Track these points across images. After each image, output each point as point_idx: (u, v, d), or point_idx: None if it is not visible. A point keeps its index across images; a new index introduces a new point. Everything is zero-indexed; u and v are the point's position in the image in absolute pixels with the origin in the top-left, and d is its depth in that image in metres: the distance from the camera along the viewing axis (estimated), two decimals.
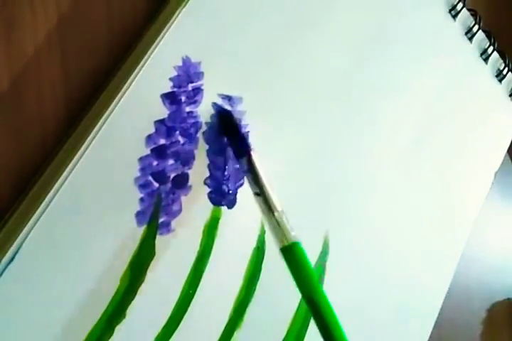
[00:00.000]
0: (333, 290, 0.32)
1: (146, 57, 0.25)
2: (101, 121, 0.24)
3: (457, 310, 0.42)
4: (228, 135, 0.27)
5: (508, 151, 0.44)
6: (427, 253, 0.38)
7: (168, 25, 0.25)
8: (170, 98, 0.25)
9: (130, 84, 0.24)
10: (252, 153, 0.27)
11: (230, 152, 0.28)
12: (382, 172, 0.35)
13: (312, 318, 0.25)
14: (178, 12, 0.26)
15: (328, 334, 0.24)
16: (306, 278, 0.25)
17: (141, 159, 0.25)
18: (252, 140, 0.28)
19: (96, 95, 0.25)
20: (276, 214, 0.26)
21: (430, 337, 0.38)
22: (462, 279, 0.42)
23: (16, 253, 0.22)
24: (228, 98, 0.27)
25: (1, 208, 0.23)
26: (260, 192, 0.26)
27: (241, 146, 0.27)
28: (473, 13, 0.39)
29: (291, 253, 0.25)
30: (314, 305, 0.24)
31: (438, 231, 0.39)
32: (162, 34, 0.25)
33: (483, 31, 0.40)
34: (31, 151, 0.23)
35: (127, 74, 0.25)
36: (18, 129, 0.23)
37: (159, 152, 0.25)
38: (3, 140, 0.23)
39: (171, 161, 0.26)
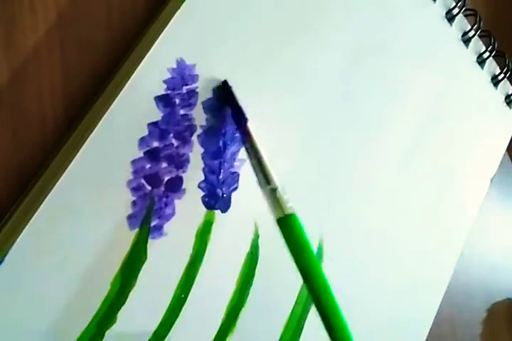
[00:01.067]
0: None
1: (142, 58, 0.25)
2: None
3: (457, 310, 0.42)
4: (228, 105, 0.27)
5: (508, 151, 0.44)
6: (424, 254, 0.38)
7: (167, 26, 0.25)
8: (164, 100, 0.25)
9: (123, 86, 0.24)
10: (247, 123, 0.26)
11: (226, 155, 0.27)
12: (379, 174, 0.35)
13: (308, 291, 0.24)
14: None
15: (321, 304, 0.23)
16: (301, 249, 0.24)
17: (133, 162, 0.25)
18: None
19: (96, 95, 0.25)
20: (271, 186, 0.25)
21: (430, 336, 0.38)
22: (462, 279, 0.42)
23: (5, 255, 0.22)
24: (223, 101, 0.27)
25: (1, 208, 0.23)
26: (258, 163, 0.25)
27: (237, 116, 0.26)
28: (473, 13, 0.39)
29: (288, 224, 0.24)
30: (308, 277, 0.24)
31: (435, 232, 0.39)
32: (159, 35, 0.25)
33: (483, 31, 0.39)
34: (31, 151, 0.23)
35: (127, 75, 0.24)
36: (18, 129, 0.23)
37: (152, 155, 0.25)
38: (3, 140, 0.23)
39: (164, 164, 0.26)
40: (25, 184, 0.23)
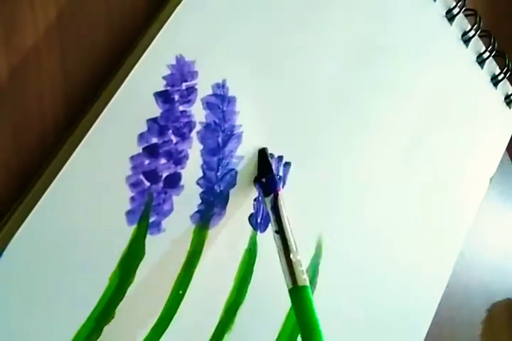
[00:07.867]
0: (327, 292, 0.32)
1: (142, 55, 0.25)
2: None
3: (457, 310, 0.42)
4: (259, 171, 0.28)
5: (508, 150, 0.44)
6: (423, 254, 0.38)
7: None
8: (163, 97, 0.25)
9: (123, 82, 0.24)
10: (279, 193, 0.27)
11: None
12: (378, 173, 0.35)
13: None
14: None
15: None
16: (308, 321, 0.25)
17: (132, 158, 0.25)
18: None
19: (96, 94, 0.25)
20: (291, 255, 0.26)
21: (430, 337, 0.38)
22: (462, 279, 0.42)
23: (2, 250, 0.22)
24: (222, 98, 0.27)
25: (1, 207, 0.23)
26: (279, 231, 0.27)
27: (269, 185, 0.28)
28: (473, 13, 0.39)
29: (300, 295, 0.26)
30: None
31: (435, 231, 0.39)
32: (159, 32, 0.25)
33: (483, 31, 0.40)
34: (31, 151, 0.23)
35: (127, 71, 0.24)
36: (18, 128, 0.23)
37: (151, 151, 0.25)
38: (2, 139, 0.23)
39: (163, 160, 0.26)
40: (25, 183, 0.23)
